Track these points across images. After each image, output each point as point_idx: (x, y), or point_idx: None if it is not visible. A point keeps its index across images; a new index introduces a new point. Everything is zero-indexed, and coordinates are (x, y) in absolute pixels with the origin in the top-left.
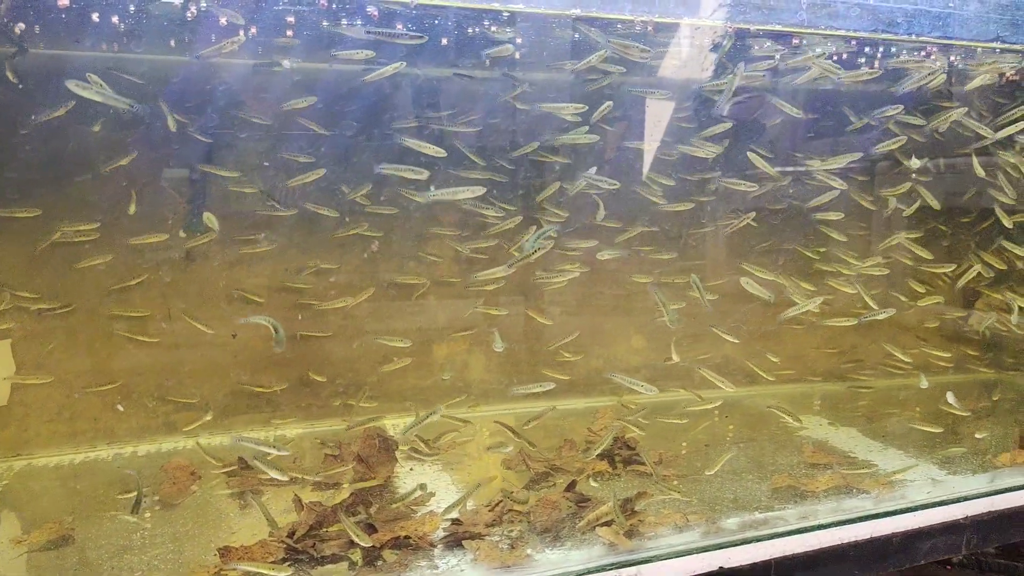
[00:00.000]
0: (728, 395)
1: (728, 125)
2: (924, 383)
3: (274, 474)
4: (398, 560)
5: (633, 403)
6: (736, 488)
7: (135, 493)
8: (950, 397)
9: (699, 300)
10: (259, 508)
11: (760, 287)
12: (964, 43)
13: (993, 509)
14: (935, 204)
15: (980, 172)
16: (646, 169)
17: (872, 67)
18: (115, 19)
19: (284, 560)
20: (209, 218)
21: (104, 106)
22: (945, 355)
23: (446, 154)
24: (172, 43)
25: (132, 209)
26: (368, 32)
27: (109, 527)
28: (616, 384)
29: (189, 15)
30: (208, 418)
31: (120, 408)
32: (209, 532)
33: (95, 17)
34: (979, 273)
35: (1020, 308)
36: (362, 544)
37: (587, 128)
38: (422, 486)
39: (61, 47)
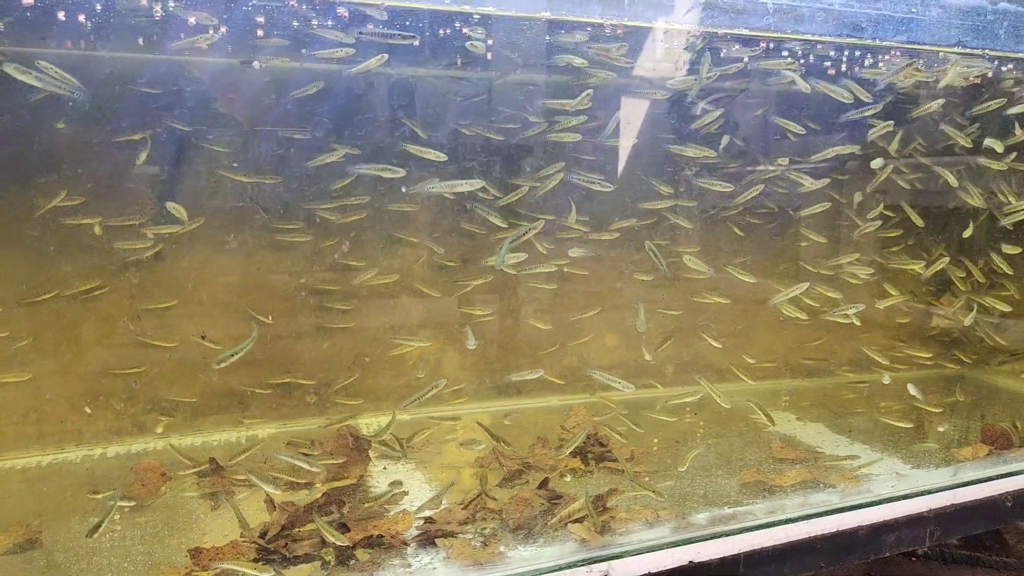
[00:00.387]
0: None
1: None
2: (887, 379)
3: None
4: (371, 559)
5: (610, 400)
6: (706, 484)
7: (100, 519)
8: (911, 388)
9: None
10: (232, 509)
11: (700, 264)
12: (927, 48)
13: (955, 502)
14: (915, 218)
15: (949, 175)
16: (620, 168)
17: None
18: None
19: (256, 560)
20: (175, 208)
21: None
22: (924, 354)
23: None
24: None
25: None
26: (361, 34)
27: (78, 530)
28: (592, 381)
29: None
30: (173, 419)
31: (87, 411)
32: (180, 533)
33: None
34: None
35: (978, 307)
36: (336, 543)
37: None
38: (395, 483)
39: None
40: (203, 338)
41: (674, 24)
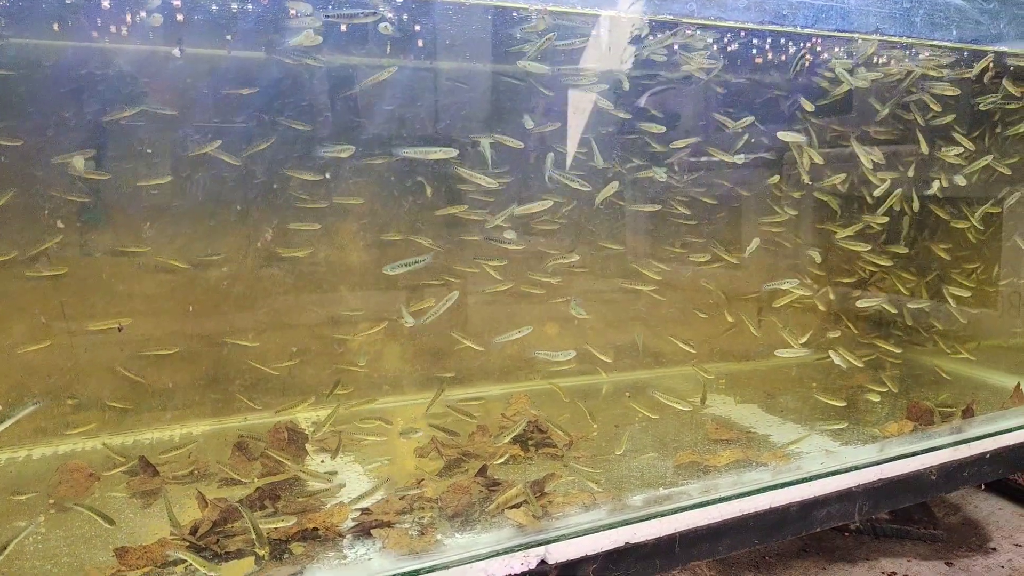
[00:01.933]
0: (641, 377)
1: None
2: (838, 359)
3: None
4: (305, 552)
5: (559, 387)
6: (642, 466)
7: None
8: (834, 356)
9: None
10: (165, 507)
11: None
12: (846, 35)
13: (882, 477)
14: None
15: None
16: (569, 160)
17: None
18: None
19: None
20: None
21: None
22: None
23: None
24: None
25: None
26: (327, 16)
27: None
28: (536, 365)
29: None
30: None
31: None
32: (107, 534)
33: None
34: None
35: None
36: (258, 551)
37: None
38: (330, 474)
39: None
40: (120, 330)
41: (589, 9)
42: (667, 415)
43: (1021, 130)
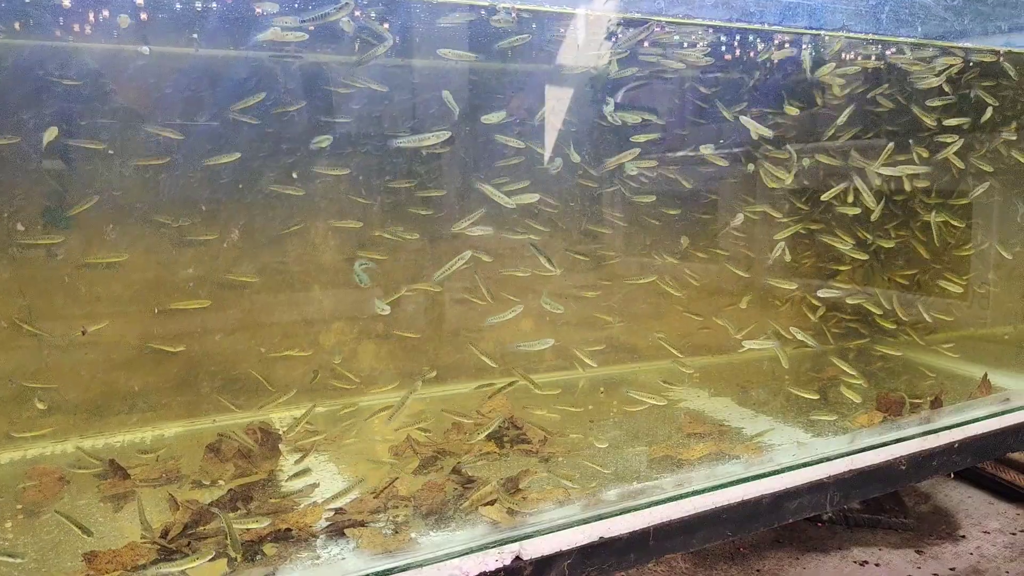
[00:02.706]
0: (613, 373)
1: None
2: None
3: None
4: (278, 553)
5: (535, 383)
6: (617, 461)
7: None
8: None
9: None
10: (137, 510)
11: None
12: (812, 32)
13: (853, 468)
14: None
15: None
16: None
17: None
18: None
19: (156, 561)
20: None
21: None
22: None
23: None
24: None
25: None
26: (303, 21)
27: None
28: (515, 361)
29: None
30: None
31: None
32: (76, 538)
33: None
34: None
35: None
36: (231, 552)
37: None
38: (302, 472)
39: None
40: (83, 333)
41: (558, 8)
42: (642, 410)
43: (955, 123)
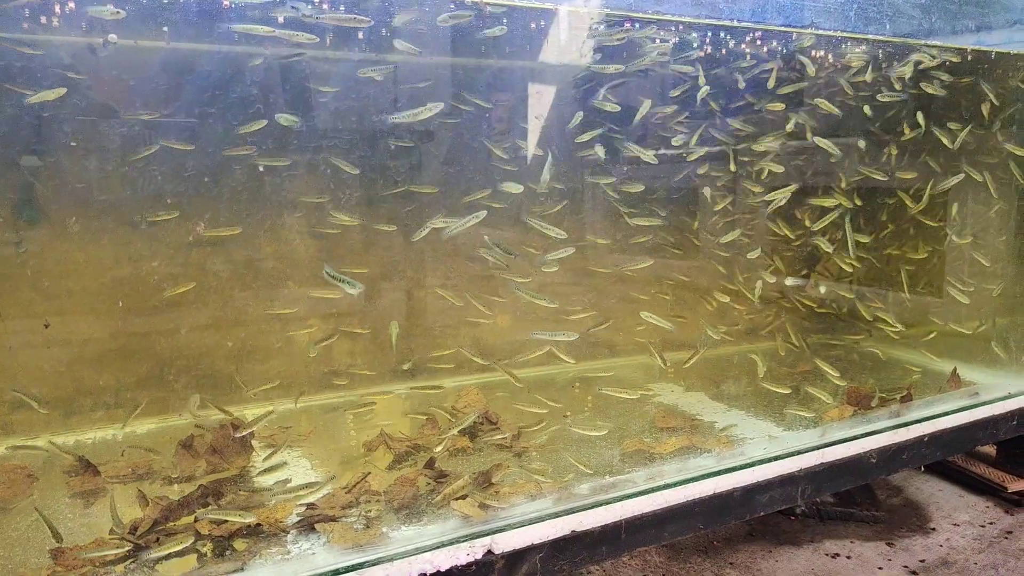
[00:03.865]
0: (585, 368)
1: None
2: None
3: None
4: (248, 548)
5: (515, 377)
6: (590, 455)
7: None
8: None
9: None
10: (108, 506)
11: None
12: (781, 29)
13: (824, 461)
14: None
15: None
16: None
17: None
18: None
19: (124, 557)
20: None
21: None
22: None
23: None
24: None
25: None
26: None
27: None
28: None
29: None
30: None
31: None
32: (43, 535)
33: None
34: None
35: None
36: (200, 548)
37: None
38: (275, 467)
39: None
40: (47, 327)
41: (529, 3)
42: (615, 405)
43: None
